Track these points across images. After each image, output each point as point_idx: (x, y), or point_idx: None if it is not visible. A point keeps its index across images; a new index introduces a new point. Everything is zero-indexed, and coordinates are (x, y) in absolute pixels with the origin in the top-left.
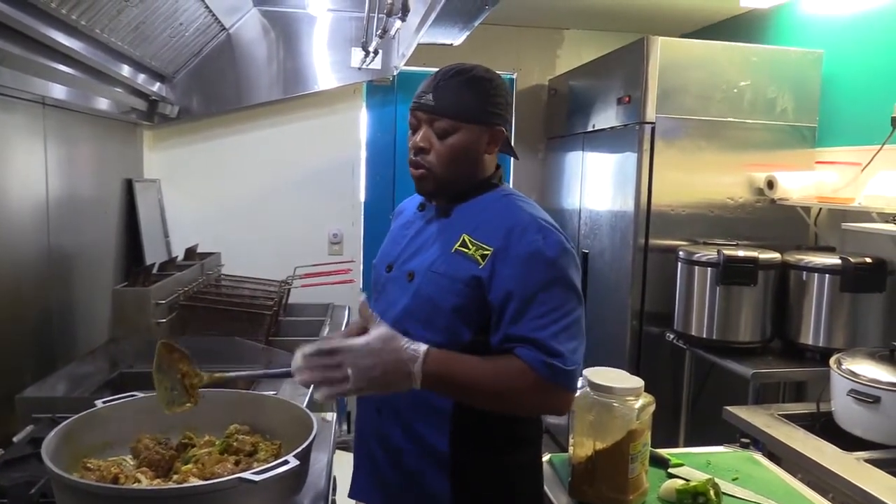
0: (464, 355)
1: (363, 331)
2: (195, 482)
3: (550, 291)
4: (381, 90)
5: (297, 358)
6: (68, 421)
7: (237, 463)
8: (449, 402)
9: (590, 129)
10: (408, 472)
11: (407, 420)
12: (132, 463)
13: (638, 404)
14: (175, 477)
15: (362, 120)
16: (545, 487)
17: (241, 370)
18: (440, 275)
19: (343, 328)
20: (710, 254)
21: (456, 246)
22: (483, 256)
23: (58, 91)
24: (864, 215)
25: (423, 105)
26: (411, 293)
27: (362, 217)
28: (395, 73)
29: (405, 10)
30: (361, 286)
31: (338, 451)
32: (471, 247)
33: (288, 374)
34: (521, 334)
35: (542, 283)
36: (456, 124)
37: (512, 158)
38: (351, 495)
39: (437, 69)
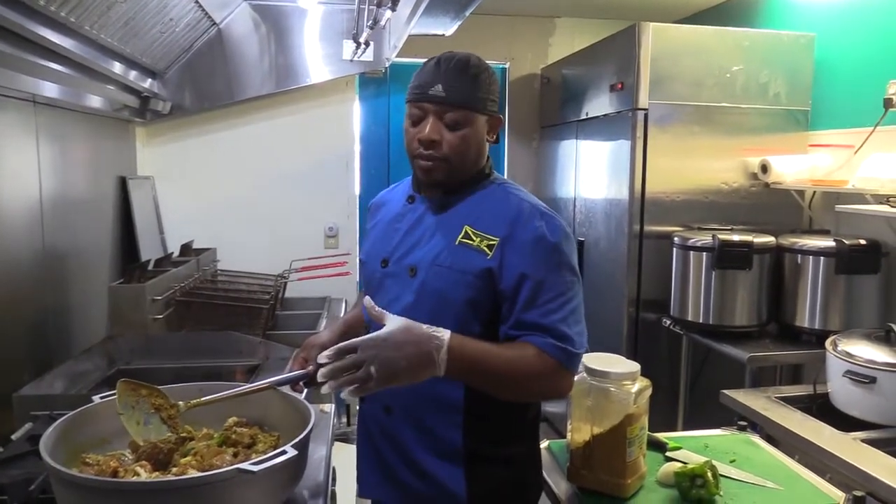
0: (480, 341)
1: (348, 329)
2: (194, 474)
3: (557, 276)
4: (373, 82)
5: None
6: (66, 417)
7: (236, 455)
8: (461, 395)
9: (583, 116)
10: (421, 471)
11: (419, 417)
12: (131, 457)
13: (635, 388)
14: (174, 469)
15: (355, 112)
16: (544, 474)
17: (225, 389)
18: (446, 268)
19: (323, 328)
20: (704, 239)
21: (459, 238)
22: (490, 247)
23: (49, 89)
24: (858, 197)
25: (433, 97)
26: (415, 288)
27: (357, 210)
28: (387, 65)
29: (395, 1)
30: (359, 283)
31: (337, 443)
32: (475, 238)
33: (283, 383)
34: (533, 320)
35: (548, 268)
36: (468, 115)
37: (507, 148)
38: (362, 494)
39: (426, 59)
